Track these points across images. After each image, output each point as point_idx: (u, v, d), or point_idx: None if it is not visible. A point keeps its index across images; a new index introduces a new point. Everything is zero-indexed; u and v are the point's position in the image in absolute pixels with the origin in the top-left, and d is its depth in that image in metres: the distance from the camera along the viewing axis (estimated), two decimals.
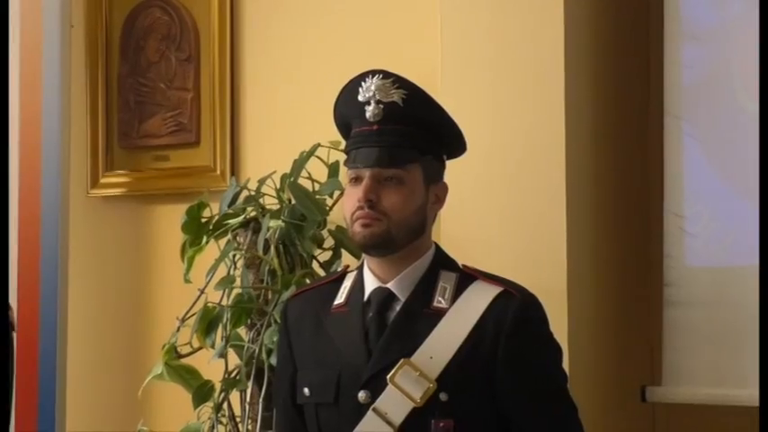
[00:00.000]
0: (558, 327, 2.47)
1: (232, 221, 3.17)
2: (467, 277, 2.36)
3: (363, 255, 2.41)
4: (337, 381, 2.32)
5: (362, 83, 2.34)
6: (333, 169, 3.17)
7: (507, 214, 3.00)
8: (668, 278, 3.06)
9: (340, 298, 2.41)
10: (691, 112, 3.06)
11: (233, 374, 3.10)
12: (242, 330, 3.12)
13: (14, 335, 2.73)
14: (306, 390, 2.38)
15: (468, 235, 2.97)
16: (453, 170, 2.46)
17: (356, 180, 2.32)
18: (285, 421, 2.47)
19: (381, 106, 2.31)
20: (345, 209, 2.35)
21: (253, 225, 3.17)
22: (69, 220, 3.65)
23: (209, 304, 3.10)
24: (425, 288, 2.33)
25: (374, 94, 2.31)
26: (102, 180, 3.83)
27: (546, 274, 2.88)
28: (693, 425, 3.10)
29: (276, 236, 3.08)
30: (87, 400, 3.76)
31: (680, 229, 3.05)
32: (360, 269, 2.42)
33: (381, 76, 2.33)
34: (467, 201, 2.94)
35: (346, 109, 2.38)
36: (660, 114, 3.10)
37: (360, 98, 2.33)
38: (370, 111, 2.31)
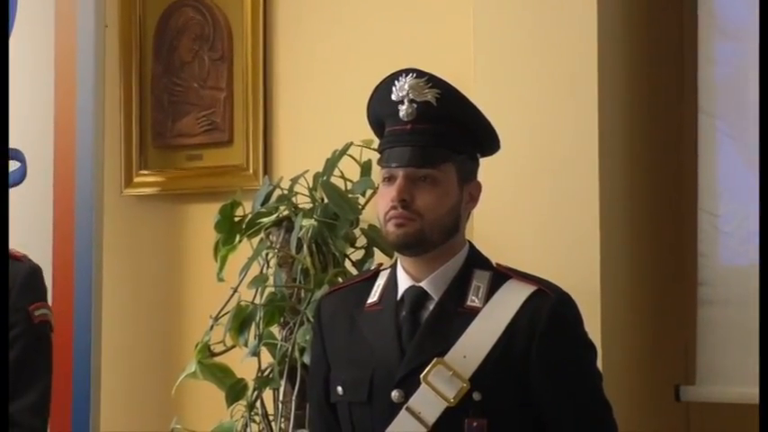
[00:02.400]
0: (592, 326, 2.47)
1: (265, 220, 3.18)
2: (500, 276, 2.35)
3: (396, 253, 2.41)
4: (370, 380, 2.32)
5: (396, 82, 2.33)
6: (365, 168, 3.17)
7: (540, 213, 3.00)
8: (702, 277, 3.05)
9: (373, 296, 2.40)
10: (724, 110, 3.04)
11: (266, 373, 3.11)
12: (275, 329, 3.13)
13: (52, 335, 2.75)
14: (339, 388, 2.38)
15: (501, 234, 2.97)
16: (487, 169, 2.45)
17: (389, 179, 2.31)
18: (319, 420, 2.47)
19: (415, 105, 2.30)
20: (379, 208, 2.34)
21: (285, 224, 3.17)
22: (103, 219, 3.66)
23: (243, 303, 3.11)
24: (459, 287, 2.33)
25: (408, 93, 2.31)
26: (136, 179, 3.85)
27: (579, 272, 2.87)
28: (727, 424, 3.09)
29: (309, 235, 3.08)
30: (121, 399, 3.77)
31: (714, 227, 3.04)
32: (393, 268, 2.41)
33: (415, 75, 2.32)
34: (500, 199, 2.93)
35: (380, 108, 2.38)
36: (694, 112, 3.09)
37: (393, 97, 2.32)
38: (403, 110, 2.31)
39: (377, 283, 2.43)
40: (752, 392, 2.88)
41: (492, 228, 2.95)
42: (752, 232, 2.97)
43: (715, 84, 3.06)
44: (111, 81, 3.79)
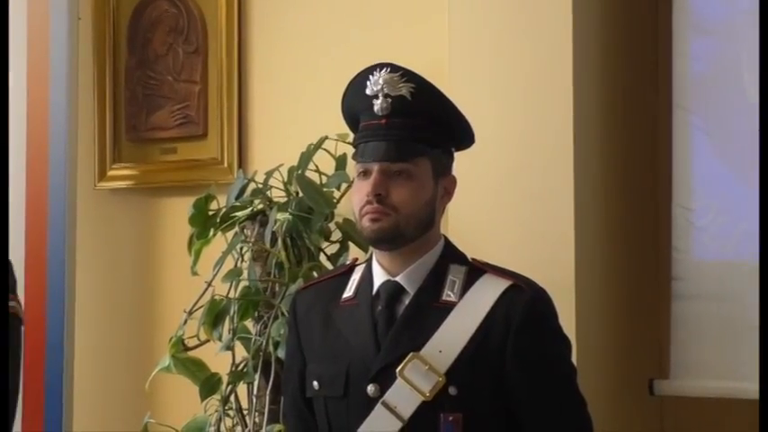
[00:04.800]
0: (567, 320, 2.47)
1: (239, 214, 3.17)
2: (476, 271, 2.35)
3: (372, 248, 2.41)
4: (346, 374, 2.32)
5: (370, 76, 2.33)
6: (340, 162, 3.17)
7: (515, 207, 3.00)
8: (676, 272, 3.06)
9: (349, 291, 2.41)
10: (699, 105, 3.05)
11: (240, 367, 3.10)
12: (249, 323, 3.12)
13: (23, 329, 2.72)
14: (315, 383, 2.38)
15: (475, 229, 2.97)
16: (461, 163, 2.45)
17: (364, 174, 2.31)
18: (294, 414, 2.47)
19: (389, 100, 2.30)
20: (354, 203, 2.34)
21: (260, 218, 3.17)
22: (77, 212, 3.65)
23: (217, 297, 3.10)
24: (434, 281, 2.33)
25: (382, 88, 2.31)
26: (110, 173, 3.84)
27: (554, 267, 2.87)
28: (701, 418, 3.10)
29: (283, 228, 3.07)
30: (94, 393, 3.76)
31: (688, 222, 3.04)
32: (368, 262, 2.41)
33: (389, 69, 2.32)
34: (475, 194, 2.93)
35: (354, 102, 2.38)
36: (668, 107, 3.10)
37: (368, 92, 2.32)
38: (378, 104, 2.31)
39: (352, 278, 2.43)
40: (725, 386, 2.91)
41: (466, 223, 2.95)
42: (726, 227, 2.99)
43: (689, 79, 3.07)
44: (84, 74, 3.77)
